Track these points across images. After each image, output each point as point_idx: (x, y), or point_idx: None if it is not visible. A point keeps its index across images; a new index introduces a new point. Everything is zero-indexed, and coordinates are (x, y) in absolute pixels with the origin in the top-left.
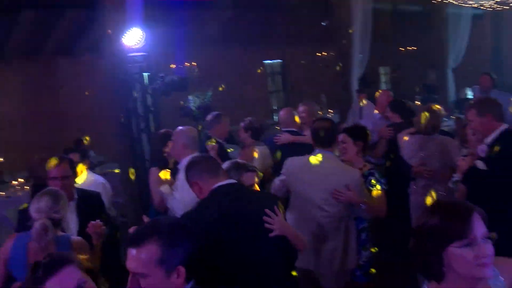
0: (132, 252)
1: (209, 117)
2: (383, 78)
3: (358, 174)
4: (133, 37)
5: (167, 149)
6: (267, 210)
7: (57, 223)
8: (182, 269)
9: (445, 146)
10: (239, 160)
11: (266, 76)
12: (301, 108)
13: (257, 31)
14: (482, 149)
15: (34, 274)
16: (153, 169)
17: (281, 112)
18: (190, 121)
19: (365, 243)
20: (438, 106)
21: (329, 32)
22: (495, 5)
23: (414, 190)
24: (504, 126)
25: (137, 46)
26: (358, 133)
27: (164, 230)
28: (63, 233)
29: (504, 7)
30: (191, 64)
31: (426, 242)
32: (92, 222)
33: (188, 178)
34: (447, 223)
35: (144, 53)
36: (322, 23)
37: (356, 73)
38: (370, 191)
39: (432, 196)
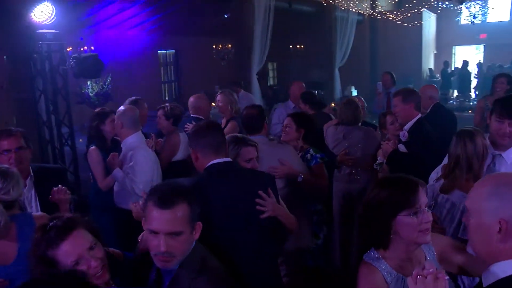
0: (165, 213)
1: (126, 102)
2: (270, 73)
3: (290, 147)
4: (43, 13)
5: (106, 128)
6: (260, 192)
7: (11, 205)
8: (199, 224)
9: (366, 136)
10: (238, 134)
11: (159, 65)
12: (218, 97)
13: (152, 19)
14: (403, 135)
15: (46, 237)
16: (92, 149)
17: (191, 98)
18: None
19: (318, 231)
20: (356, 99)
21: (227, 25)
22: (375, 13)
23: (337, 178)
24: (419, 115)
25: (46, 22)
26: (301, 120)
27: (187, 190)
28: (24, 212)
29: (379, 15)
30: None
31: (376, 213)
32: (55, 188)
33: (190, 143)
34: (397, 194)
35: (55, 31)
36: (225, 15)
37: (256, 68)
38: (309, 167)
39: None
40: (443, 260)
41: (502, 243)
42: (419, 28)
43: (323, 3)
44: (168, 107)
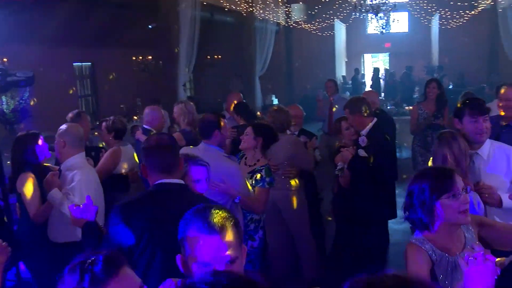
0: (222, 241)
1: (69, 115)
2: (188, 85)
3: (234, 167)
4: None
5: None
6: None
7: None
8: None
9: (290, 144)
10: (189, 153)
11: (75, 79)
12: (175, 108)
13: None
14: (362, 140)
15: (92, 273)
16: (24, 175)
17: (146, 110)
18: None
19: (253, 234)
20: (285, 108)
21: (152, 36)
22: (290, 23)
23: None
24: (374, 120)
25: None
26: (260, 130)
27: (229, 212)
28: None
29: (295, 24)
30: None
31: (420, 200)
32: None
33: (142, 157)
34: (437, 181)
35: None
36: (149, 26)
37: (183, 79)
38: (253, 186)
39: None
40: (480, 238)
41: None
42: (332, 38)
43: (243, 14)
44: (110, 121)
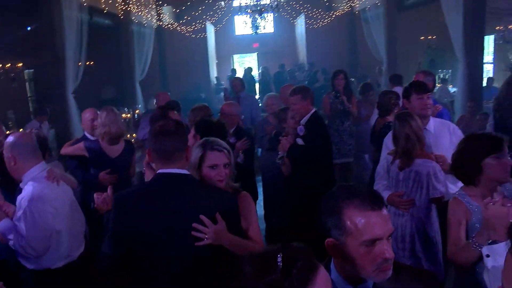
0: (381, 214)
1: None
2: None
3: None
4: None
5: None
6: (202, 217)
7: None
8: None
9: None
10: (209, 138)
11: None
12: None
13: None
14: (300, 129)
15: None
16: None
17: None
18: None
19: None
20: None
21: (30, 40)
22: (164, 25)
23: None
24: (313, 110)
25: None
26: (200, 127)
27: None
28: None
29: (169, 26)
30: None
31: (469, 157)
32: None
33: (148, 143)
34: (488, 143)
35: None
36: (28, 28)
37: (72, 85)
38: None
39: None
40: None
41: None
42: (204, 40)
43: (120, 17)
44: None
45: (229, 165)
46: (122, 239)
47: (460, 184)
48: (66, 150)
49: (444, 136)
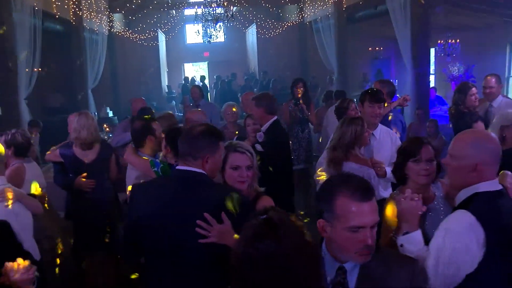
0: (370, 205)
1: None
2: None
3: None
4: None
5: None
6: (206, 215)
7: None
8: None
9: None
10: (232, 141)
11: None
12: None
13: None
14: (260, 136)
15: None
16: None
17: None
18: None
19: None
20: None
21: None
22: (114, 32)
23: None
24: (274, 118)
25: None
26: (169, 137)
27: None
28: None
29: (121, 33)
30: None
31: (398, 160)
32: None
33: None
34: (409, 147)
35: None
36: None
37: (24, 92)
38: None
39: None
40: (448, 197)
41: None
42: (156, 48)
43: (72, 22)
44: (9, 134)
45: (252, 168)
46: (133, 228)
47: (390, 190)
48: (48, 156)
49: (386, 144)
